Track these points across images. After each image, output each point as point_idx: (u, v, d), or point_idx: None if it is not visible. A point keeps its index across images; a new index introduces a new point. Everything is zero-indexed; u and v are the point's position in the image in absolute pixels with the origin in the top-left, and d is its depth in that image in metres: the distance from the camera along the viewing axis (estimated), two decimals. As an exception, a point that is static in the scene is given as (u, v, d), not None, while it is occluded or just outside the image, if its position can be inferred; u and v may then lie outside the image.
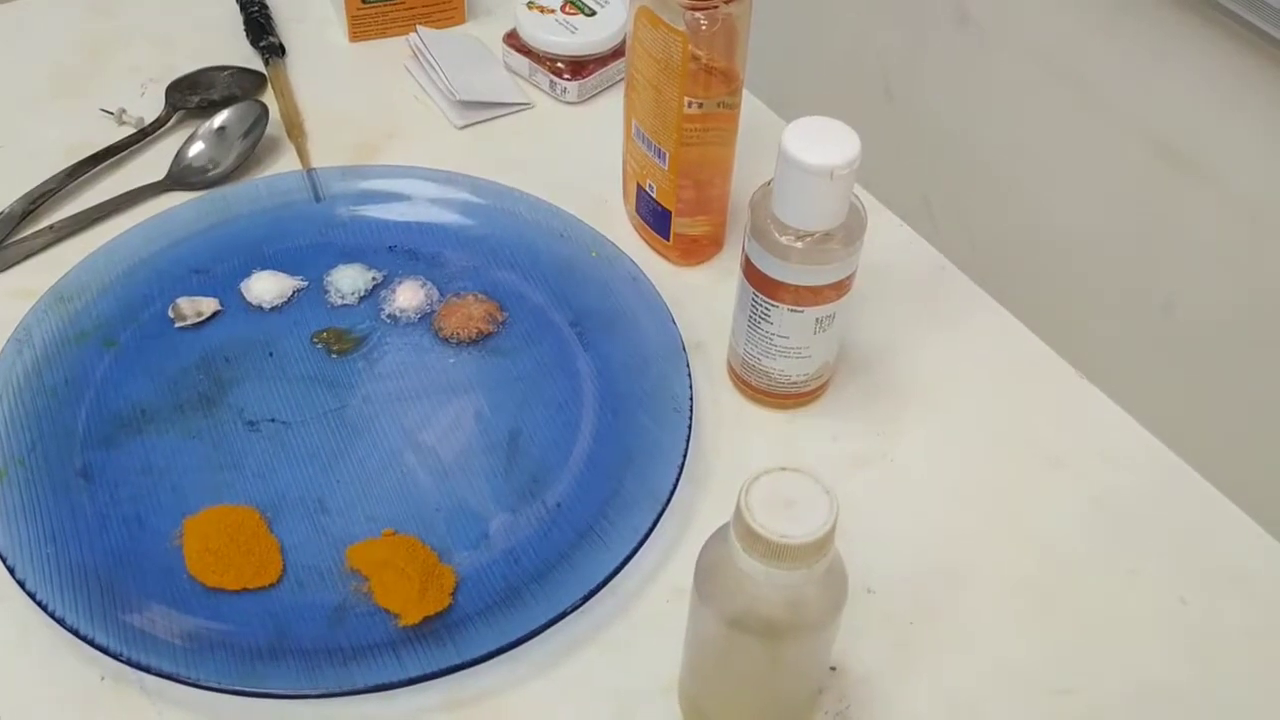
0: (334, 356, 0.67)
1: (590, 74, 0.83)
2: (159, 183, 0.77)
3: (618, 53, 0.83)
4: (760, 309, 0.62)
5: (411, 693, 0.54)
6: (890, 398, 0.68)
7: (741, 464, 0.64)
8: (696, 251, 0.74)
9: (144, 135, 0.80)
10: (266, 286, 0.70)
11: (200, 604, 0.56)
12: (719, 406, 0.67)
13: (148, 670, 0.53)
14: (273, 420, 0.64)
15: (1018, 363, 0.70)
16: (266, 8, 0.89)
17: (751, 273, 0.61)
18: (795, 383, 0.65)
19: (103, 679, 0.55)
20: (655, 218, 0.72)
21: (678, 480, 0.61)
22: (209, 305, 0.69)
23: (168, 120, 0.81)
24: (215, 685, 0.53)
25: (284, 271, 0.71)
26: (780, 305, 0.61)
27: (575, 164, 0.79)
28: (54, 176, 0.76)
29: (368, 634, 0.56)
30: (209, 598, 0.57)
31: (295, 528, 0.60)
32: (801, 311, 0.61)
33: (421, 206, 0.74)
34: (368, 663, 0.54)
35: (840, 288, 0.61)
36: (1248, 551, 0.62)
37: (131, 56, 0.86)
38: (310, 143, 0.80)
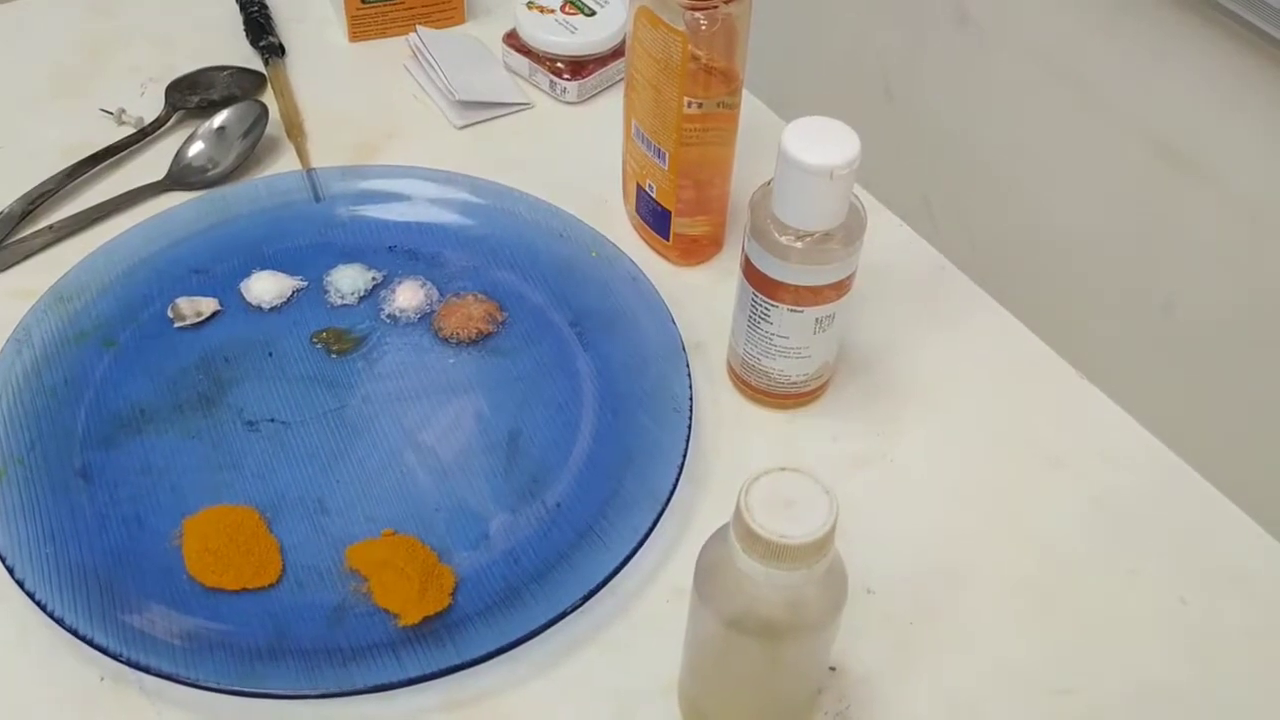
0: (333, 356, 0.67)
1: (590, 74, 0.83)
2: (158, 183, 0.77)
3: (617, 53, 0.83)
4: (760, 309, 0.62)
5: (411, 693, 0.54)
6: (890, 398, 0.68)
7: (741, 464, 0.64)
8: (696, 251, 0.74)
9: (143, 135, 0.80)
10: (266, 286, 0.70)
11: (199, 604, 0.56)
12: (719, 406, 0.66)
13: (147, 670, 0.53)
14: (272, 420, 0.64)
15: (1018, 363, 0.70)
16: (266, 8, 0.89)
17: (751, 273, 0.61)
18: (795, 383, 0.65)
19: (102, 679, 0.55)
20: (655, 218, 0.72)
21: (677, 480, 0.61)
22: (208, 305, 0.69)
23: (167, 120, 0.81)
24: (214, 685, 0.53)
25: (283, 271, 0.71)
26: (780, 305, 0.61)
27: (575, 164, 0.79)
28: (53, 176, 0.76)
29: (367, 634, 0.56)
30: (208, 598, 0.57)
31: (295, 528, 0.60)
32: (801, 311, 0.61)
33: (421, 206, 0.74)
34: (367, 663, 0.54)
35: (840, 288, 0.61)
36: (1248, 551, 0.62)
37: (131, 56, 0.86)
38: (310, 143, 0.80)
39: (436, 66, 0.83)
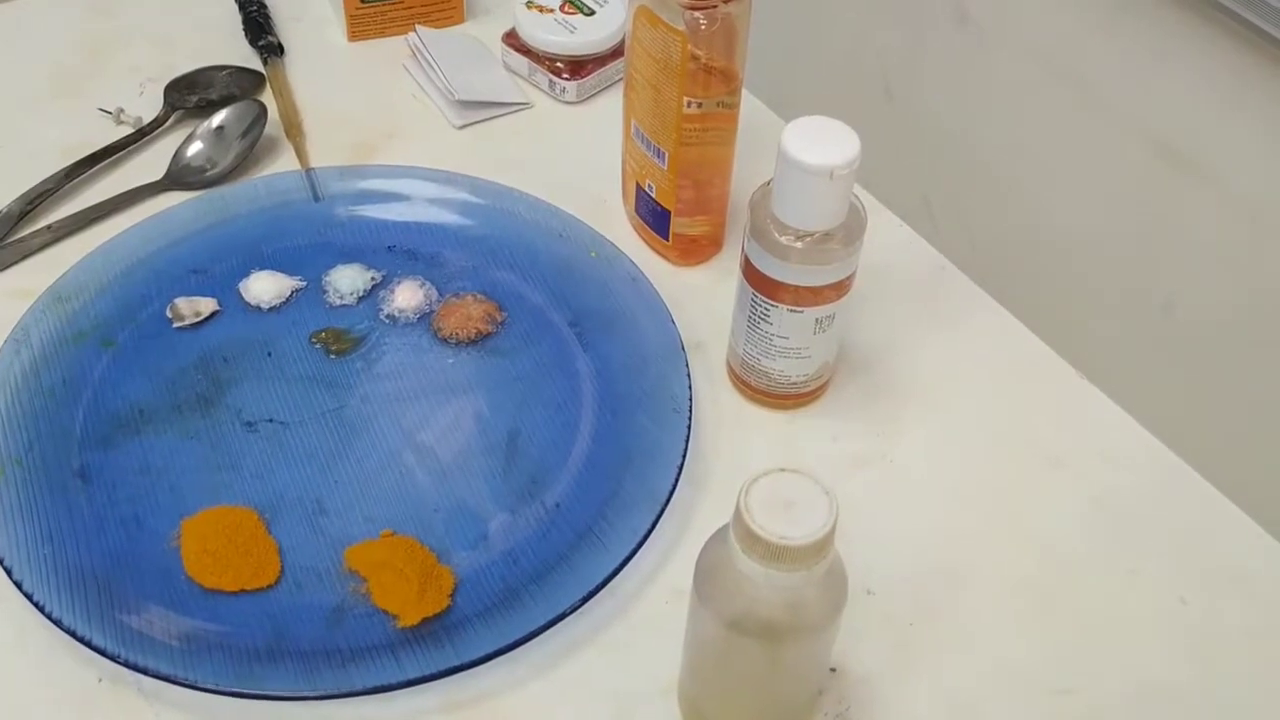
0: (332, 357, 0.67)
1: (589, 74, 0.83)
2: (157, 182, 0.76)
3: (617, 52, 0.83)
4: (760, 309, 0.61)
5: (410, 694, 0.54)
6: (890, 398, 0.67)
7: (741, 465, 0.64)
8: (696, 251, 0.73)
9: (142, 135, 0.79)
10: (265, 286, 0.70)
11: (198, 605, 0.56)
12: (718, 407, 0.66)
13: (145, 672, 0.53)
14: (271, 421, 0.64)
15: (1018, 363, 0.70)
16: (265, 7, 0.89)
17: (751, 273, 0.61)
18: (795, 383, 0.65)
19: (100, 680, 0.55)
20: (654, 218, 0.72)
21: (677, 481, 0.60)
22: (207, 305, 0.69)
23: (166, 120, 0.81)
24: (213, 687, 0.52)
25: (282, 271, 0.71)
26: (780, 305, 0.61)
27: (574, 164, 0.79)
28: (52, 176, 0.76)
29: (366, 635, 0.55)
30: (207, 599, 0.57)
31: (293, 529, 0.59)
32: (801, 312, 0.61)
33: (420, 206, 0.74)
34: (366, 664, 0.54)
35: (840, 288, 0.61)
36: (1248, 551, 0.62)
37: (130, 56, 0.86)
38: (309, 142, 0.80)
39: (436, 66, 0.83)
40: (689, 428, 0.62)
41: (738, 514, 0.44)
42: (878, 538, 0.59)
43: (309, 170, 0.76)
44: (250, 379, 0.66)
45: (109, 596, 0.56)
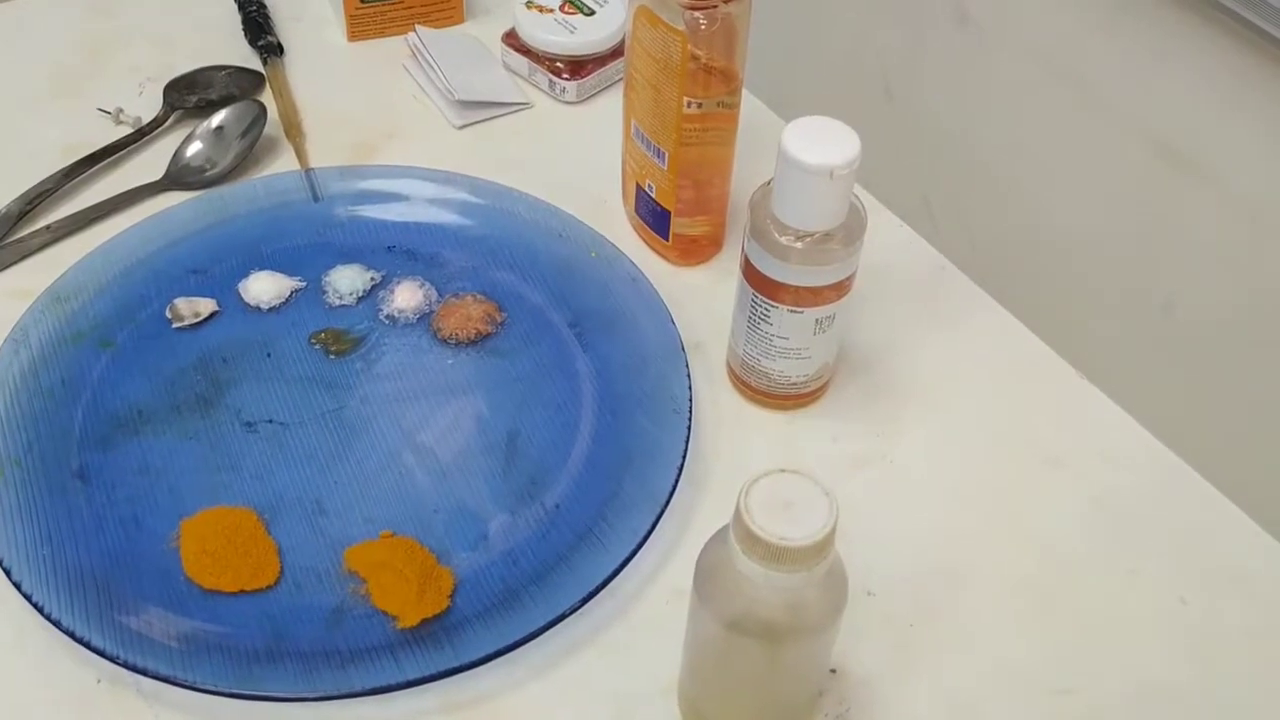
0: (332, 357, 0.67)
1: (589, 74, 0.83)
2: (156, 182, 0.76)
3: (617, 52, 0.83)
4: (760, 310, 0.61)
5: (409, 695, 0.54)
6: (890, 398, 0.67)
7: (741, 465, 0.64)
8: (696, 252, 0.73)
9: (141, 135, 0.79)
10: (264, 287, 0.70)
11: (197, 606, 0.56)
12: (718, 407, 0.66)
13: (144, 673, 0.53)
14: (270, 421, 0.64)
15: (1018, 363, 0.70)
16: (265, 7, 0.89)
17: (751, 273, 0.61)
18: (795, 384, 0.65)
19: (99, 681, 0.55)
20: (654, 218, 0.72)
21: (677, 481, 0.60)
22: (206, 306, 0.69)
23: (165, 120, 0.81)
24: (212, 688, 0.52)
25: (282, 272, 0.71)
26: (780, 306, 0.61)
27: (574, 164, 0.79)
28: (51, 176, 0.76)
29: (365, 636, 0.55)
30: (206, 600, 0.56)
31: (293, 529, 0.59)
32: (801, 312, 0.61)
33: (420, 207, 0.74)
34: (365, 665, 0.54)
35: (840, 288, 0.61)
36: (1248, 551, 0.61)
37: (130, 56, 0.86)
38: (308, 142, 0.80)
39: (435, 66, 0.83)
40: (689, 428, 0.62)
41: (738, 515, 0.44)
42: (878, 538, 0.59)
43: (308, 170, 0.76)
44: (250, 379, 0.66)
45: (108, 597, 0.56)
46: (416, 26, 0.86)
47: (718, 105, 0.66)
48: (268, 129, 0.79)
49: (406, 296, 0.70)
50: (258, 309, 0.69)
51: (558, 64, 0.83)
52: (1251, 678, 0.57)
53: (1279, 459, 0.71)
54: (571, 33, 0.82)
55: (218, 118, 0.79)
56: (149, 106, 0.81)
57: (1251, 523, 0.62)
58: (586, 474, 0.62)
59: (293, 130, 0.80)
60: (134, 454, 0.62)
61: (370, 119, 0.82)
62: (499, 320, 0.69)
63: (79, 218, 0.74)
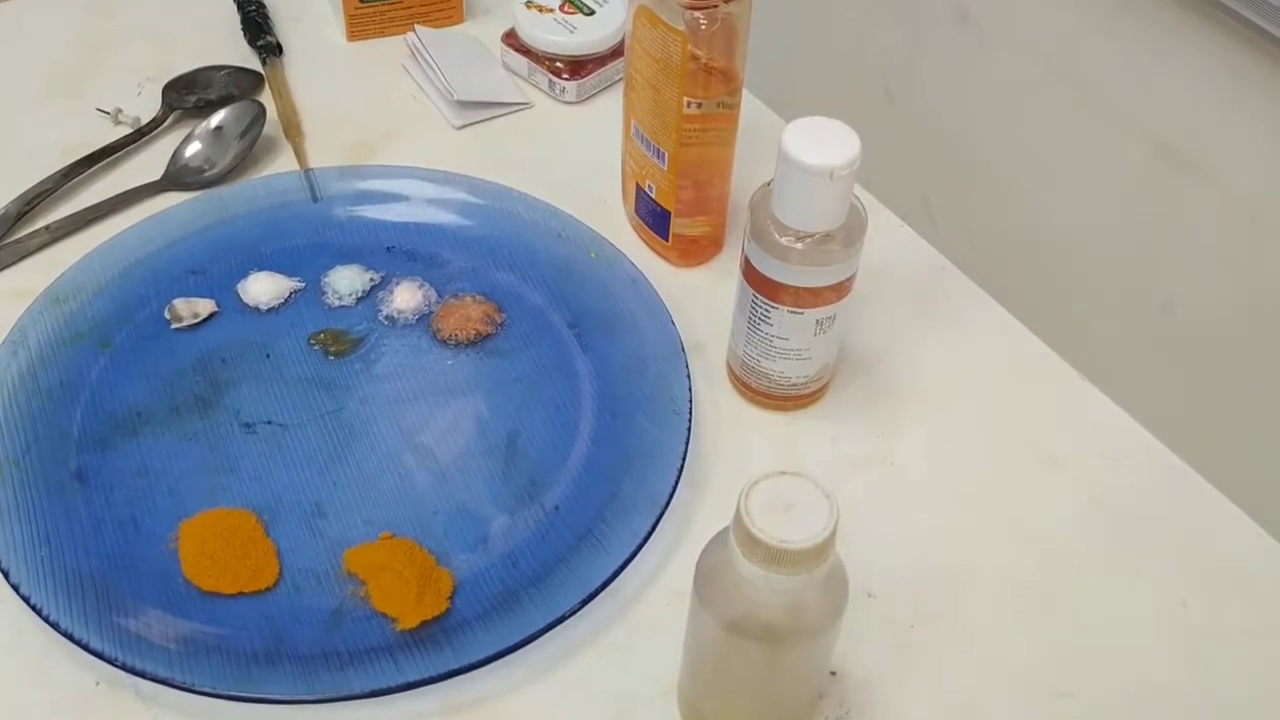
0: (331, 358, 0.67)
1: (589, 74, 0.83)
2: (155, 183, 0.76)
3: (617, 52, 0.83)
4: (760, 310, 0.61)
5: (409, 698, 0.54)
6: (890, 399, 0.67)
7: (741, 466, 0.63)
8: (696, 252, 0.73)
9: (140, 135, 0.79)
10: (263, 287, 0.69)
11: (196, 608, 0.56)
12: (718, 408, 0.66)
13: (142, 675, 0.53)
14: (269, 422, 0.64)
15: (1018, 363, 0.70)
16: (264, 7, 0.89)
17: (751, 274, 0.61)
18: (795, 385, 0.64)
19: (97, 683, 0.54)
20: (654, 218, 0.72)
21: (677, 483, 0.60)
22: (205, 306, 0.69)
23: (164, 120, 0.81)
24: (211, 690, 0.52)
25: (281, 272, 0.71)
26: (780, 307, 0.60)
27: (574, 164, 0.78)
28: (50, 176, 0.76)
29: (365, 638, 0.55)
30: (205, 602, 0.56)
31: (292, 531, 0.59)
32: (801, 313, 0.61)
33: (419, 207, 0.74)
34: (365, 667, 0.54)
35: (840, 289, 0.60)
36: (1248, 552, 0.61)
37: (129, 56, 0.86)
38: (308, 142, 0.80)
39: (435, 66, 0.83)
40: (689, 429, 0.62)
41: (738, 517, 0.44)
42: (878, 540, 0.59)
43: (308, 171, 0.75)
44: (249, 380, 0.66)
45: (106, 599, 0.56)
46: (416, 26, 0.86)
47: (718, 105, 0.66)
48: (267, 129, 0.79)
49: (406, 297, 0.69)
50: (257, 310, 0.69)
51: (557, 64, 0.83)
52: (1252, 679, 0.57)
53: (1279, 459, 0.71)
54: (571, 33, 0.82)
55: (217, 118, 0.79)
56: (148, 106, 0.81)
57: (1252, 523, 0.62)
58: (586, 475, 0.62)
59: (292, 130, 0.80)
60: (132, 455, 0.62)
61: (369, 119, 0.82)
62: (498, 321, 0.69)
63: (78, 218, 0.74)
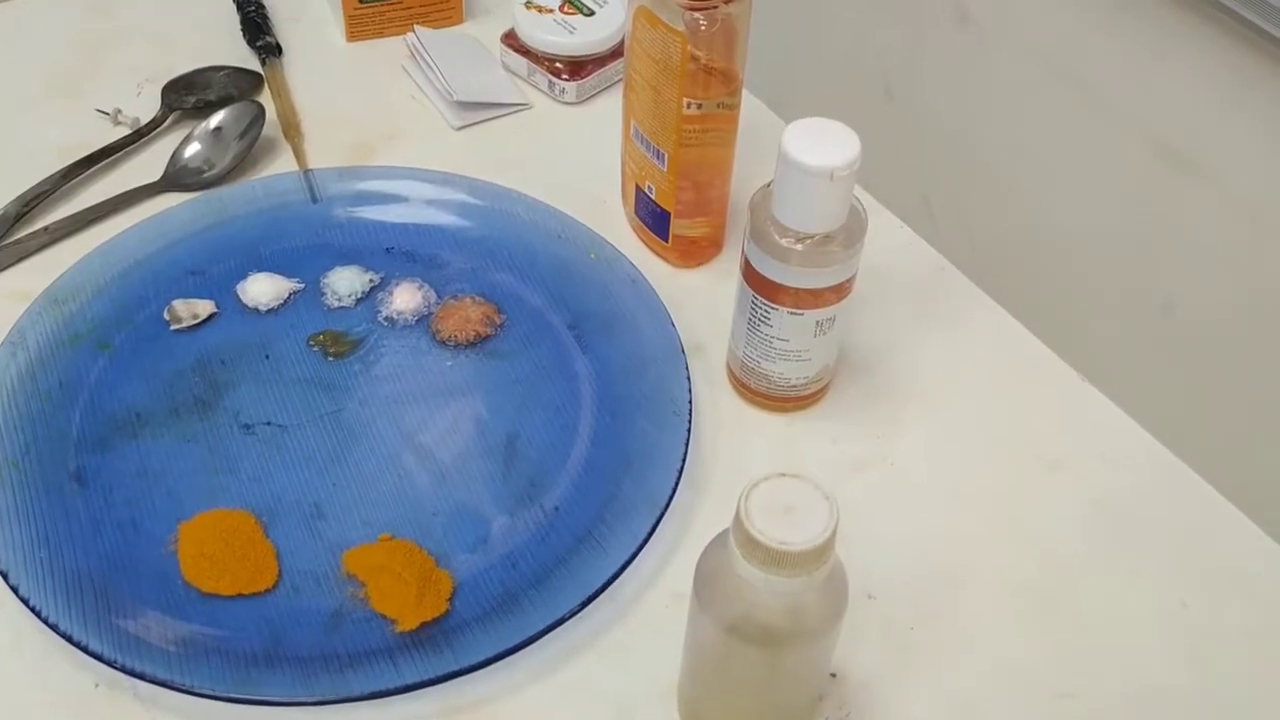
0: (330, 359, 0.67)
1: (589, 74, 0.83)
2: (155, 184, 0.76)
3: (616, 53, 0.83)
4: (760, 312, 0.61)
5: (408, 700, 0.54)
6: (890, 400, 0.67)
7: (741, 468, 0.63)
8: (696, 253, 0.73)
9: (140, 136, 0.79)
10: (263, 288, 0.69)
11: (195, 610, 0.56)
12: (718, 409, 0.66)
13: (141, 677, 0.53)
14: (269, 424, 0.64)
15: (1018, 364, 0.69)
16: (263, 7, 0.88)
17: (751, 275, 0.61)
18: (795, 386, 0.64)
19: (96, 685, 0.54)
20: (654, 219, 0.72)
21: (677, 484, 0.60)
22: (205, 307, 0.69)
23: (164, 121, 0.81)
24: (210, 692, 0.52)
25: (280, 273, 0.70)
26: (780, 308, 0.60)
27: (574, 165, 0.78)
28: (49, 177, 0.75)
29: (364, 640, 0.55)
30: (204, 603, 0.56)
31: (291, 532, 0.59)
32: (801, 314, 0.60)
33: (419, 208, 0.74)
34: (364, 669, 0.54)
35: (840, 290, 0.60)
36: (1248, 553, 0.61)
37: (128, 56, 0.86)
38: (307, 143, 0.80)
39: (434, 67, 0.83)
40: (689, 431, 0.62)
41: (737, 519, 0.44)
42: (878, 541, 0.59)
43: (307, 171, 0.75)
44: (248, 382, 0.66)
45: (105, 601, 0.56)
46: (415, 27, 0.86)
47: (717, 106, 0.66)
48: (266, 130, 0.79)
49: (405, 298, 0.69)
50: (256, 311, 0.69)
51: (557, 64, 0.83)
52: (1251, 680, 0.57)
53: (1279, 460, 0.71)
54: (571, 33, 0.82)
55: (216, 118, 0.78)
56: (147, 107, 0.81)
57: (1252, 524, 0.62)
58: (586, 476, 0.62)
59: (291, 131, 0.80)
60: (132, 456, 0.62)
61: (369, 120, 0.82)
62: (498, 322, 0.69)
63: (77, 219, 0.74)
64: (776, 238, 0.58)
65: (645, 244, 0.74)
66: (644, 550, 0.58)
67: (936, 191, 0.89)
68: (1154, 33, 0.69)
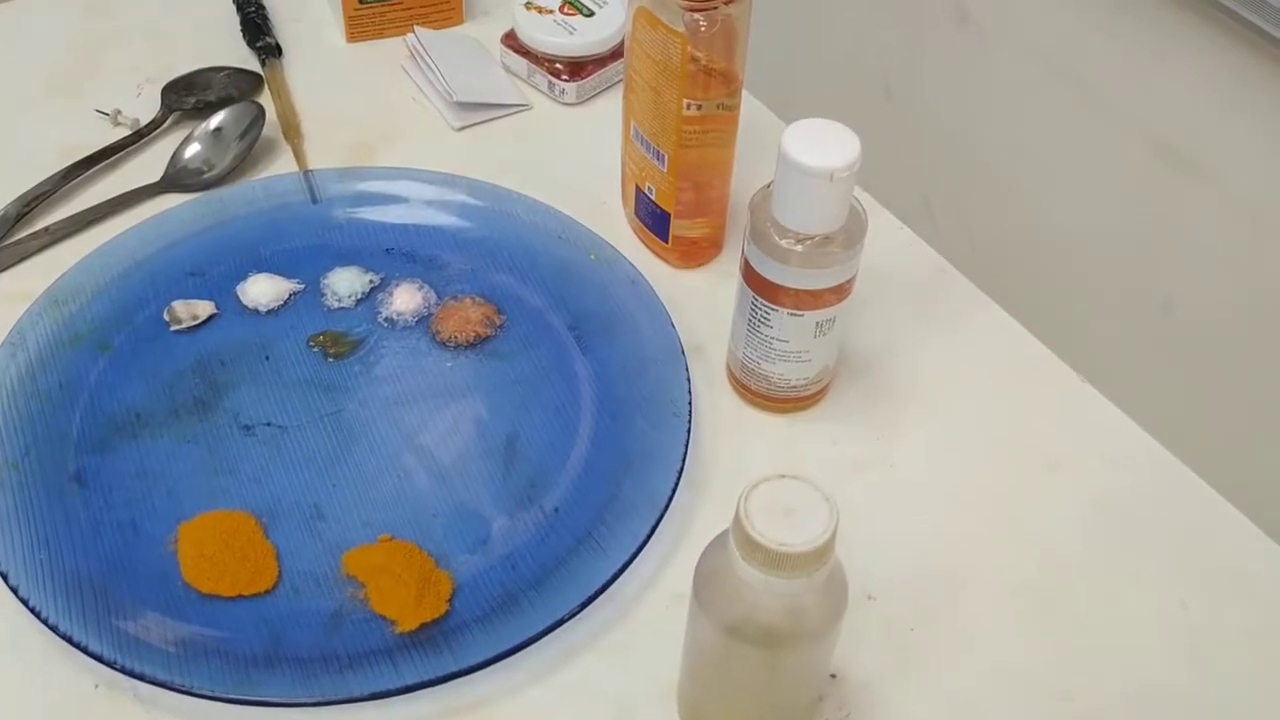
0: (330, 360, 0.67)
1: (589, 75, 0.83)
2: (155, 184, 0.76)
3: (616, 54, 0.83)
4: (760, 313, 0.61)
5: (408, 701, 0.54)
6: (890, 401, 0.67)
7: (741, 468, 0.63)
8: (695, 254, 0.73)
9: (140, 137, 0.79)
10: (263, 289, 0.69)
11: (195, 611, 0.56)
12: (718, 411, 0.66)
13: (141, 678, 0.53)
14: (269, 424, 0.64)
15: (1017, 365, 0.69)
16: (263, 8, 0.88)
17: (751, 276, 0.61)
18: (795, 387, 0.64)
19: (96, 686, 0.54)
20: (654, 220, 0.72)
21: (676, 485, 0.60)
22: (204, 308, 0.69)
23: (164, 121, 0.81)
24: (209, 693, 0.52)
25: (280, 274, 0.70)
26: (780, 309, 0.60)
27: (573, 166, 0.78)
28: (49, 178, 0.75)
29: (364, 641, 0.55)
30: (203, 604, 0.56)
31: (291, 533, 0.59)
32: (801, 315, 0.60)
33: (419, 208, 0.74)
34: (364, 670, 0.54)
35: (840, 291, 0.60)
36: (1248, 554, 0.61)
37: (128, 57, 0.86)
38: (307, 144, 0.80)
39: (434, 67, 0.83)
40: (689, 432, 0.62)
41: (737, 521, 0.44)
42: (878, 542, 0.59)
43: (307, 172, 0.75)
44: (248, 382, 0.66)
45: (105, 602, 0.56)
46: (415, 28, 0.86)
47: (717, 107, 0.66)
48: (266, 130, 0.79)
49: (405, 299, 0.69)
50: (256, 311, 0.69)
51: (557, 65, 0.83)
52: (1251, 680, 0.57)
53: (1279, 460, 0.71)
54: (571, 34, 0.82)
55: (216, 119, 0.78)
56: (147, 108, 0.81)
57: (1252, 525, 0.62)
58: (586, 477, 0.62)
59: (291, 132, 0.80)
60: (131, 457, 0.62)
61: (369, 120, 0.82)
62: (498, 323, 0.69)
63: (77, 220, 0.74)
64: (776, 239, 0.58)
65: (645, 245, 0.74)
66: (644, 551, 0.58)
67: (936, 192, 0.89)
68: (1154, 33, 0.69)
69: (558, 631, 0.55)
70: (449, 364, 0.67)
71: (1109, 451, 0.65)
